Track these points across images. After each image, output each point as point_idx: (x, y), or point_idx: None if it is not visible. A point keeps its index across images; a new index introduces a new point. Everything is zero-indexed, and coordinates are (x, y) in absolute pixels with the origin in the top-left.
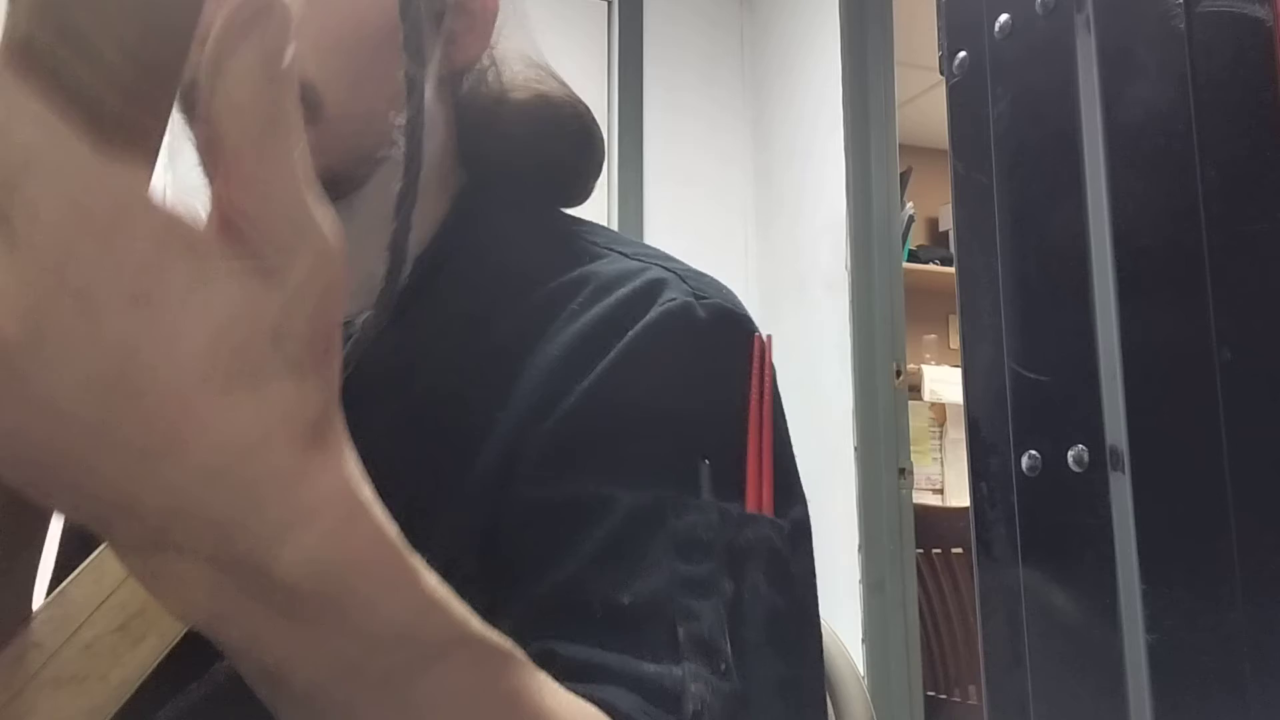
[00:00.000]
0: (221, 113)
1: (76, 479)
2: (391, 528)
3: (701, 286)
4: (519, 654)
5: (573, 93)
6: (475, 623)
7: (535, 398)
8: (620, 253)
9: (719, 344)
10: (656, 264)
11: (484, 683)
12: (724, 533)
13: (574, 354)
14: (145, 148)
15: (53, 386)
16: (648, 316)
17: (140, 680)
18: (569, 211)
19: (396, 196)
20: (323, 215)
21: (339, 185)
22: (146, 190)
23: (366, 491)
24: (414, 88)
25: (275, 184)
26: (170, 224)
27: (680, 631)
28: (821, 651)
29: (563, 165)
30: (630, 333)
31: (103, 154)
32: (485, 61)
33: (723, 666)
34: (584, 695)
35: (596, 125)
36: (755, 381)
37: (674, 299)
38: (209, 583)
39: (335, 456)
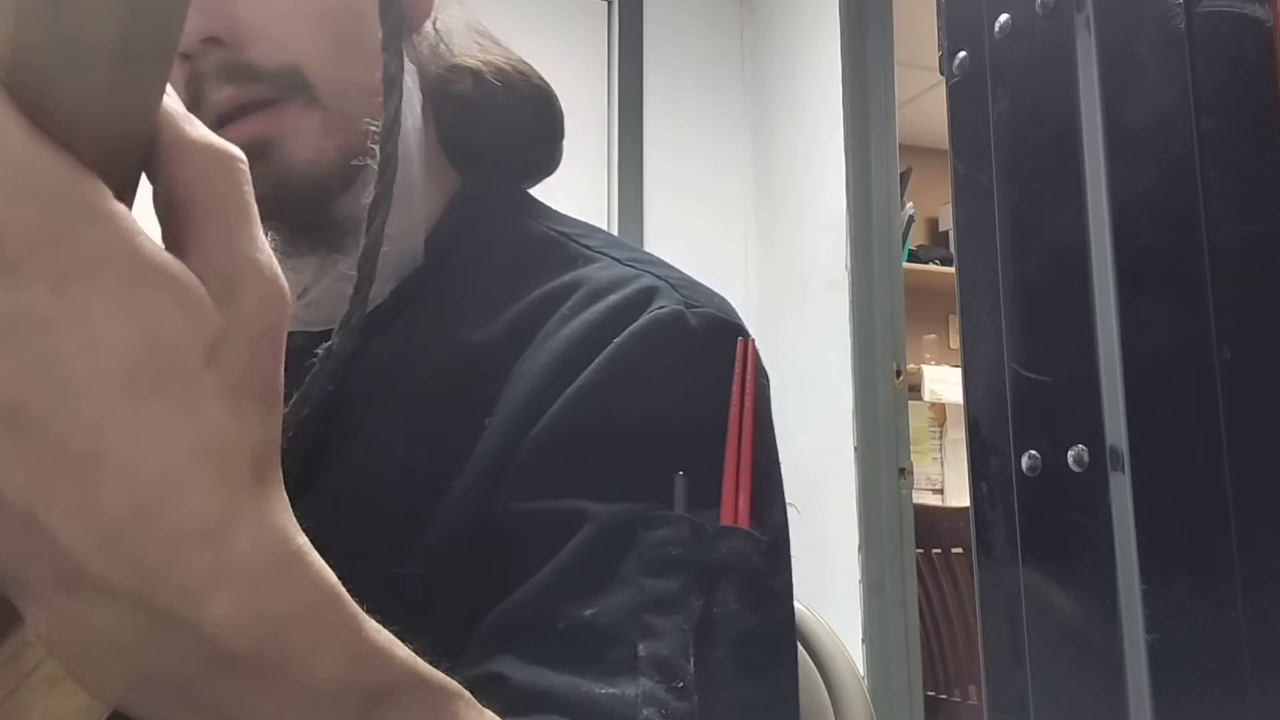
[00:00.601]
0: (163, 171)
1: None
2: (329, 575)
3: (694, 295)
4: (463, 693)
5: (519, 57)
6: (418, 665)
7: (523, 405)
8: (614, 258)
9: (710, 353)
10: (650, 271)
11: None
12: (697, 548)
13: (561, 361)
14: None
15: None
16: (636, 324)
17: None
18: (569, 214)
19: (369, 206)
20: (268, 263)
21: (350, 173)
22: (100, 182)
23: (301, 539)
24: (392, 87)
25: (224, 233)
26: (120, 216)
27: (640, 650)
28: (795, 667)
29: (529, 132)
30: (616, 340)
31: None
32: (431, 34)
33: (680, 685)
34: None
35: (550, 88)
36: (736, 388)
37: (664, 307)
38: (133, 632)
39: (270, 502)
